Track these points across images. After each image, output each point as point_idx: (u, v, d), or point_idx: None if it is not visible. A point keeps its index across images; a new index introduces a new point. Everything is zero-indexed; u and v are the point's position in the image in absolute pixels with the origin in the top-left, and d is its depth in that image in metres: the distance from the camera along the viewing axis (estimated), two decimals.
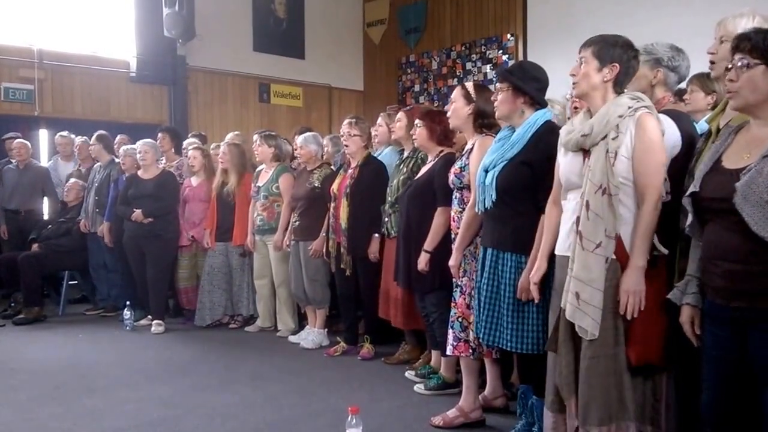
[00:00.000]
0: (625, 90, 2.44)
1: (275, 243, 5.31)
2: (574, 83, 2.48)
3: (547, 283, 2.69)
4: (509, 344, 2.81)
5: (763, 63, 1.94)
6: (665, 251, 2.31)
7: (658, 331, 2.29)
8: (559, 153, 2.56)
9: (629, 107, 2.33)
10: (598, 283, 2.31)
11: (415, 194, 3.82)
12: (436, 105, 8.34)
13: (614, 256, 2.31)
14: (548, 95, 3.08)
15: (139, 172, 5.85)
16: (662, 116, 2.47)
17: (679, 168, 2.39)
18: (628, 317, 2.27)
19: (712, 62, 2.42)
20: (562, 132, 2.53)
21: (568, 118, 3.72)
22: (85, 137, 6.80)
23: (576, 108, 3.59)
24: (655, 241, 2.30)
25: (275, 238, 5.31)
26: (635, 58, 2.43)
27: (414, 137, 3.94)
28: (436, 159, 3.80)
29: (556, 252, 2.54)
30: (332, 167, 5.31)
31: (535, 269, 2.66)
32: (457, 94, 3.41)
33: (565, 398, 2.45)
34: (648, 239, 2.29)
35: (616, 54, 2.38)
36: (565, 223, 2.48)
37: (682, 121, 2.53)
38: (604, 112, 2.36)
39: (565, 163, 2.50)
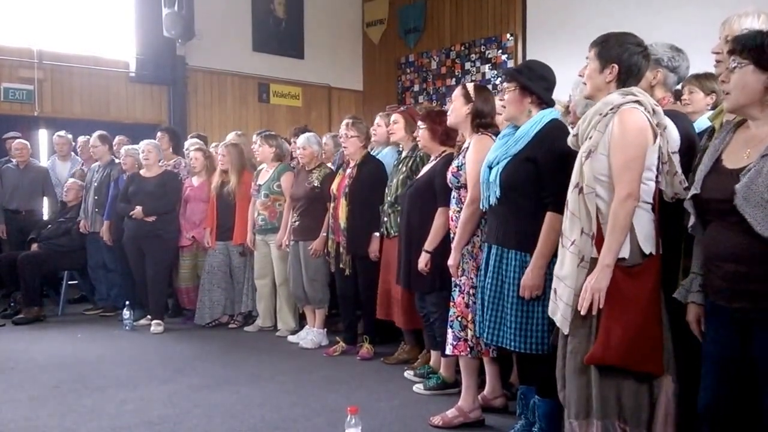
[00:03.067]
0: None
1: (278, 241, 5.31)
2: (584, 83, 2.48)
3: (549, 281, 2.70)
4: (513, 344, 2.80)
5: (751, 63, 1.94)
6: (648, 251, 2.27)
7: (623, 331, 2.21)
8: None
9: (612, 106, 2.30)
10: (570, 281, 2.32)
11: (415, 194, 3.83)
12: (435, 105, 8.33)
13: (595, 254, 2.29)
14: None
15: (142, 171, 5.86)
16: None
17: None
18: (583, 313, 2.25)
19: (718, 61, 2.41)
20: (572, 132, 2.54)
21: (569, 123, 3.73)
22: (88, 136, 6.79)
23: (568, 112, 3.60)
24: (640, 241, 2.26)
25: (278, 236, 5.32)
26: (639, 54, 2.38)
27: (418, 139, 3.95)
28: (438, 159, 3.80)
29: None
30: (331, 167, 5.32)
31: None
32: (457, 93, 3.42)
33: (559, 390, 2.47)
34: (616, 237, 2.23)
35: (615, 54, 2.36)
36: None
37: (681, 121, 2.52)
38: (589, 112, 2.37)
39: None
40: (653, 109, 2.31)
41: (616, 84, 2.37)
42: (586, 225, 2.30)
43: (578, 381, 2.31)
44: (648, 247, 2.28)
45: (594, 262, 2.28)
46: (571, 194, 2.34)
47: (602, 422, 2.26)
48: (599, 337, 2.24)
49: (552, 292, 2.40)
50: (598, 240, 2.28)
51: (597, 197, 2.30)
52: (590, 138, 2.32)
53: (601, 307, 2.23)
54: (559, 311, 2.35)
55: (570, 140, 2.46)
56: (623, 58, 2.36)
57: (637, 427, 2.29)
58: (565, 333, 2.33)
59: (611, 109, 2.29)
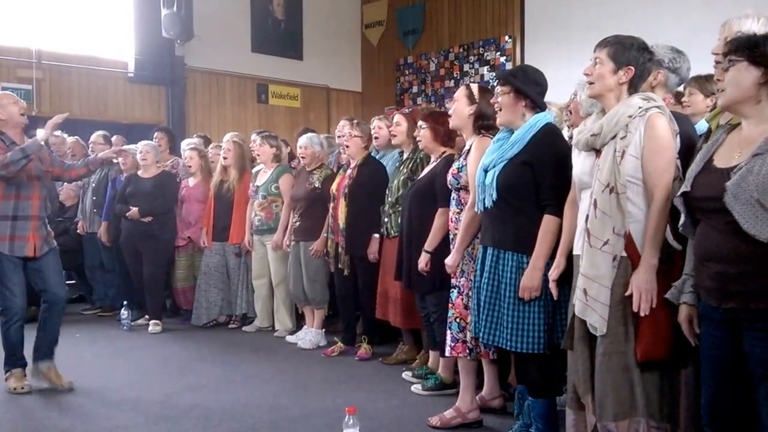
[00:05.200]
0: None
1: (275, 243, 5.31)
2: (589, 83, 2.48)
3: (546, 282, 2.71)
4: (509, 344, 2.80)
5: (745, 59, 1.97)
6: (678, 247, 2.30)
7: (668, 327, 2.27)
8: (573, 153, 2.58)
9: (639, 107, 2.34)
10: (605, 280, 2.33)
11: (417, 194, 3.83)
12: (433, 106, 8.34)
13: (624, 254, 2.32)
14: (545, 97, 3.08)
15: (139, 172, 5.86)
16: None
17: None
18: (641, 314, 2.27)
19: (717, 62, 2.43)
20: (575, 132, 2.55)
21: (566, 121, 3.74)
22: (77, 137, 6.78)
23: (570, 112, 3.61)
24: (668, 238, 2.30)
25: (275, 237, 5.31)
26: (650, 60, 2.43)
27: (418, 139, 3.95)
28: (439, 160, 3.81)
29: (574, 252, 2.56)
30: (332, 168, 5.32)
31: (554, 267, 2.66)
32: (460, 93, 3.41)
33: (581, 395, 2.46)
34: (657, 237, 2.28)
35: (632, 56, 2.39)
36: (579, 222, 2.50)
37: (682, 122, 2.54)
38: (614, 112, 2.38)
39: (578, 163, 2.52)
40: (670, 116, 2.36)
41: (627, 86, 2.40)
42: (618, 224, 2.32)
43: (617, 382, 2.32)
44: (675, 243, 2.31)
45: (623, 261, 2.32)
46: (602, 194, 2.34)
47: (646, 420, 2.31)
48: (647, 334, 2.27)
49: (581, 293, 2.39)
50: (628, 240, 2.32)
51: (626, 198, 2.32)
52: (622, 138, 2.33)
53: (654, 306, 2.26)
54: (596, 312, 2.34)
55: (587, 139, 2.44)
56: (639, 61, 2.39)
57: (660, 421, 2.33)
58: (602, 333, 2.33)
59: (639, 113, 2.33)
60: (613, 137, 2.35)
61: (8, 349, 3.89)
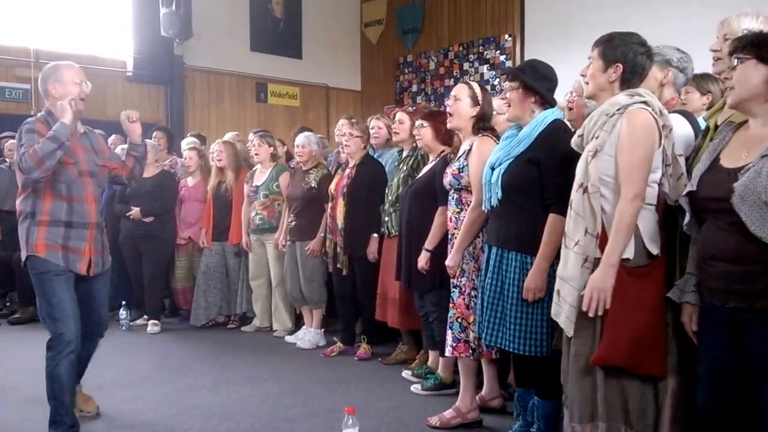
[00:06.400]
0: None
1: (275, 241, 5.30)
2: (585, 83, 2.46)
3: (551, 283, 2.69)
4: (512, 345, 2.78)
5: (754, 57, 1.96)
6: (654, 252, 2.27)
7: (629, 333, 2.20)
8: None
9: (620, 105, 2.29)
10: (575, 281, 2.30)
11: (416, 193, 3.82)
12: (433, 105, 8.33)
13: (599, 255, 2.27)
14: None
15: None
16: (676, 116, 2.47)
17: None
18: (590, 314, 2.22)
19: (716, 59, 2.42)
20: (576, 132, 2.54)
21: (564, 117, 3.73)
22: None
23: (571, 109, 3.59)
24: (645, 242, 2.25)
25: (275, 236, 5.30)
26: (644, 55, 2.36)
27: (418, 137, 3.93)
28: (438, 159, 3.79)
29: None
30: (329, 168, 5.30)
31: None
32: (462, 93, 3.36)
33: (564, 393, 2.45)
34: (622, 236, 2.21)
35: (620, 53, 2.34)
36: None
37: (690, 121, 2.53)
38: (597, 111, 2.35)
39: (578, 164, 2.50)
40: (660, 111, 2.30)
41: (619, 84, 2.36)
42: (591, 225, 2.28)
43: (582, 384, 2.29)
44: (654, 248, 2.27)
45: (598, 262, 2.27)
46: (575, 194, 2.32)
47: (607, 425, 2.26)
48: (605, 338, 2.23)
49: (555, 293, 2.38)
50: (602, 240, 2.27)
51: (601, 197, 2.29)
52: (596, 138, 2.30)
53: (607, 307, 2.21)
54: (563, 313, 2.32)
55: (575, 140, 2.44)
56: (628, 57, 2.34)
57: (639, 429, 2.28)
58: (570, 335, 2.31)
59: (618, 110, 2.28)
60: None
61: (54, 397, 3.04)
